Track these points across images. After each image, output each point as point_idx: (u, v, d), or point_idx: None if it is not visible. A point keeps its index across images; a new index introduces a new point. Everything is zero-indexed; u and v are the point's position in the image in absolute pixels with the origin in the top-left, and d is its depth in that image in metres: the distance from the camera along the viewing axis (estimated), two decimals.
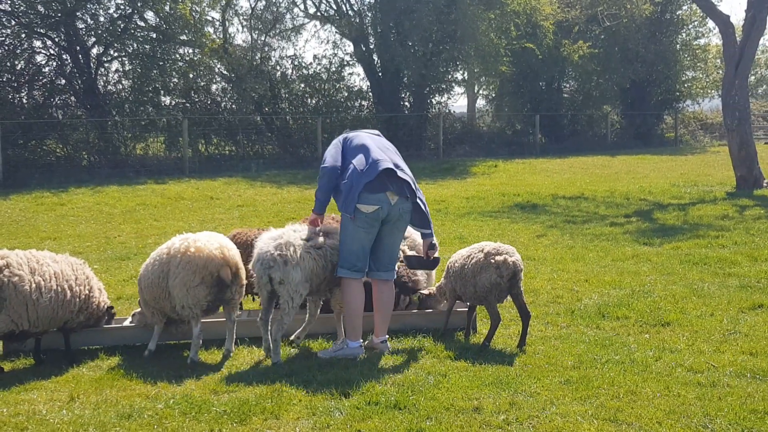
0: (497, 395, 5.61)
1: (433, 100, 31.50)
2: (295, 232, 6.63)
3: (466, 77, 35.23)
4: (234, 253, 6.79)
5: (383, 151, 6.83)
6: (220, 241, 6.77)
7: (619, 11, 33.82)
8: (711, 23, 35.34)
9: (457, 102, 41.37)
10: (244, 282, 6.93)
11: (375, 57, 30.31)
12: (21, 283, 6.22)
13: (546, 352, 6.62)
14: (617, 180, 21.31)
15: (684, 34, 38.54)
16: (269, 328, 6.64)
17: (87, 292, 6.79)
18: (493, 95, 38.47)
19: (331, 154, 6.81)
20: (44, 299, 6.34)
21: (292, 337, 7.11)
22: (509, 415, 5.28)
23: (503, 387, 5.76)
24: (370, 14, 30.64)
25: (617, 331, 7.31)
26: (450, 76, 32.01)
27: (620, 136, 36.70)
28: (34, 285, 6.30)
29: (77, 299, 6.66)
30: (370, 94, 30.36)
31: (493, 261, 6.73)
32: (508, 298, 6.92)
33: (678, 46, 38.01)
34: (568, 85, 37.35)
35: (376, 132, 7.23)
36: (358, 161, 6.67)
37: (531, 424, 5.15)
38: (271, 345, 6.61)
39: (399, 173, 6.71)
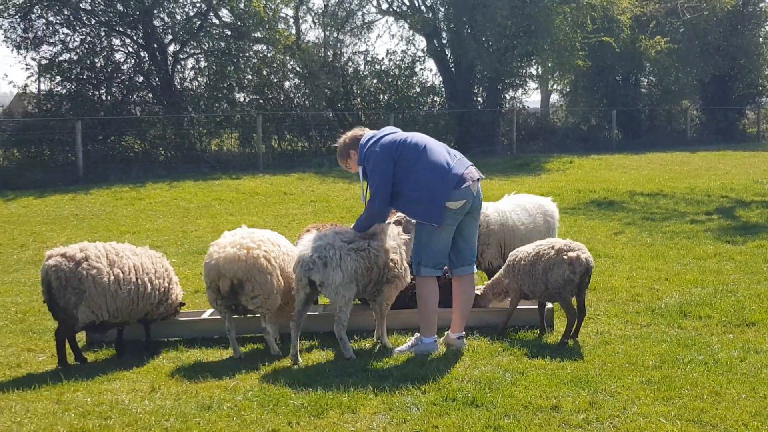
0: (576, 394, 5.51)
1: (506, 95, 31.22)
2: (337, 234, 6.52)
3: (540, 72, 34.81)
4: (239, 266, 6.36)
5: (440, 147, 6.69)
6: (233, 251, 6.41)
7: (700, 4, 32.97)
8: None
9: (531, 97, 40.96)
10: (260, 293, 6.49)
11: (448, 52, 30.16)
12: (99, 276, 6.33)
13: (626, 351, 6.48)
14: (697, 176, 20.76)
15: (767, 27, 37.47)
16: (297, 332, 6.46)
17: (167, 284, 6.89)
18: (568, 90, 37.93)
19: (382, 191, 6.56)
20: (123, 291, 6.46)
21: (375, 338, 7.03)
22: (589, 414, 5.18)
23: (582, 386, 5.66)
24: (442, 9, 30.46)
25: (700, 330, 7.11)
26: (524, 71, 31.68)
27: (700, 132, 35.80)
28: (113, 277, 6.41)
29: (157, 292, 6.76)
30: (443, 89, 30.19)
31: (566, 257, 6.65)
32: None
33: (761, 39, 36.89)
34: (645, 80, 36.56)
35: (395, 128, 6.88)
36: (432, 170, 6.44)
37: (612, 423, 5.05)
38: (291, 347, 6.45)
39: (468, 162, 6.66)
